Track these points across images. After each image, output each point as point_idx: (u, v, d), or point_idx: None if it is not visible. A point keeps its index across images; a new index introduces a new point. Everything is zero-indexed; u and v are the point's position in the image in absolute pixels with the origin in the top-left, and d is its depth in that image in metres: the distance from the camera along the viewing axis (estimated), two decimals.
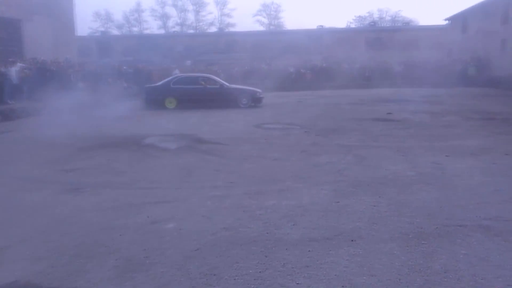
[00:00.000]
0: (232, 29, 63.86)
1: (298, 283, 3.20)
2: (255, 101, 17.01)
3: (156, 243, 3.99)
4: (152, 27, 69.78)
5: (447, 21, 34.60)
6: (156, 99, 16.92)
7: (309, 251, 3.73)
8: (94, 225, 4.52)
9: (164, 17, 69.57)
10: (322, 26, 40.82)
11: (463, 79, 25.60)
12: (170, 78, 18.24)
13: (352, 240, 3.93)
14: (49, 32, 23.42)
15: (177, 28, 66.65)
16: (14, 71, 16.90)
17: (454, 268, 3.36)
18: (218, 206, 5.03)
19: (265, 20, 70.23)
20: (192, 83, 17.24)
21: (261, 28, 65.98)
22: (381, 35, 39.01)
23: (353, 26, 61.68)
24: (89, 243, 4.05)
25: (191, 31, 66.16)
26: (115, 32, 64.58)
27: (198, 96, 16.74)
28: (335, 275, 3.30)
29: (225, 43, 38.02)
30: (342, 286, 3.14)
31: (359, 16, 67.61)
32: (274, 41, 37.87)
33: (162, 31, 65.58)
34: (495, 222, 4.30)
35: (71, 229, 4.40)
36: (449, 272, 3.28)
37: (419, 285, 3.13)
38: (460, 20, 30.95)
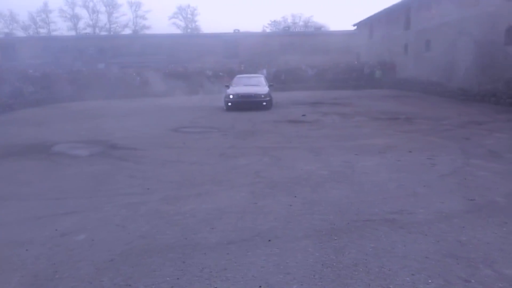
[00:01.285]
0: (147, 32, 62.42)
1: (215, 287, 3.20)
2: None
3: (65, 257, 3.78)
4: (62, 28, 65.92)
5: (355, 27, 36.63)
6: None
7: (227, 254, 3.75)
8: None
9: (75, 18, 66.11)
10: (238, 30, 41.24)
11: (370, 82, 27.26)
12: None
13: (268, 240, 4.01)
14: None
15: (89, 30, 63.66)
16: None
17: (363, 261, 3.55)
18: (133, 213, 4.88)
19: (182, 23, 69.54)
20: None
21: (178, 31, 65.21)
22: (294, 40, 40.25)
23: (268, 30, 63.06)
24: None
25: (104, 33, 63.56)
26: (20, 33, 60.21)
27: None
28: (252, 275, 3.35)
29: (140, 45, 36.95)
30: (259, 286, 3.19)
31: (274, 21, 69.34)
32: (191, 44, 37.57)
33: (72, 33, 62.23)
34: (399, 215, 4.62)
35: None
36: (359, 266, 3.47)
37: (332, 279, 3.27)
38: (367, 26, 32.91)
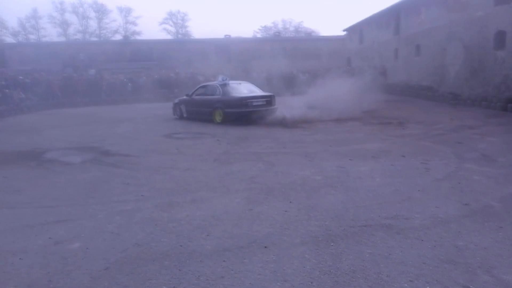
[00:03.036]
0: (138, 37, 62.26)
1: None
2: None
3: (60, 265, 3.71)
4: (51, 34, 65.47)
5: (345, 32, 36.83)
6: None
7: (223, 261, 3.71)
8: None
9: (64, 24, 65.75)
10: (229, 35, 41.31)
11: (362, 87, 27.32)
12: None
13: (265, 247, 3.98)
14: None
15: (79, 36, 63.35)
16: None
17: (361, 267, 3.54)
18: (128, 221, 4.83)
19: (172, 29, 69.48)
20: None
21: (168, 37, 65.12)
22: (285, 45, 40.40)
23: (259, 36, 63.24)
24: None
25: (94, 39, 63.31)
26: (10, 40, 59.75)
27: None
28: (250, 283, 3.32)
29: (131, 51, 36.88)
30: None
31: (265, 26, 69.54)
32: (182, 49, 37.56)
33: (62, 39, 61.88)
34: (395, 220, 4.62)
35: None
36: (356, 272, 3.45)
37: (330, 286, 3.25)
38: (357, 31, 33.11)
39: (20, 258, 3.90)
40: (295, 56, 36.70)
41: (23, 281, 3.47)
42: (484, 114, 13.81)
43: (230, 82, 14.80)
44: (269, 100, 14.09)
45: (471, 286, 3.18)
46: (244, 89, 14.68)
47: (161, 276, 3.47)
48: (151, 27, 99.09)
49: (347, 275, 3.40)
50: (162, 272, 3.54)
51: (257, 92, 14.70)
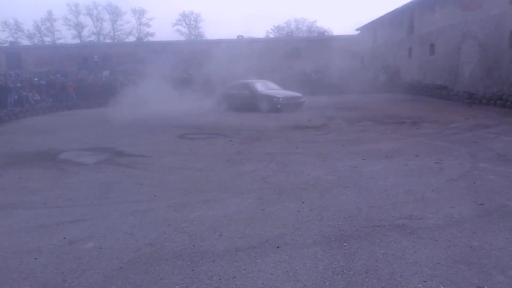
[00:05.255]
0: (151, 39, 62.65)
1: None
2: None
3: (74, 265, 3.76)
4: (66, 36, 66.26)
5: (358, 31, 36.59)
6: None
7: (236, 261, 3.72)
8: (5, 249, 4.18)
9: (79, 26, 66.47)
10: (241, 36, 41.33)
11: (375, 86, 27.16)
12: None
13: (277, 247, 3.98)
14: None
15: (93, 38, 63.99)
16: None
17: (374, 267, 3.52)
18: (141, 221, 4.87)
19: (185, 30, 69.74)
20: None
21: (181, 38, 65.41)
22: (298, 45, 40.31)
23: (271, 36, 63.15)
24: (0, 269, 3.73)
25: (109, 40, 63.88)
26: (25, 42, 60.62)
27: None
28: (262, 283, 3.32)
29: (144, 52, 37.10)
30: None
31: (277, 26, 69.38)
32: (195, 50, 37.70)
33: (77, 41, 62.57)
34: (409, 220, 4.58)
35: None
36: (369, 272, 3.44)
37: (342, 286, 3.24)
38: (370, 30, 32.86)
39: (35, 258, 3.96)
40: (308, 56, 36.57)
41: (38, 280, 3.52)
42: (500, 113, 13.62)
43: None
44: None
45: (485, 287, 3.14)
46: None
47: (174, 276, 3.49)
48: (164, 28, 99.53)
49: (360, 275, 3.39)
50: (175, 272, 3.57)
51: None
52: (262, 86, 18.46)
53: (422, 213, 4.78)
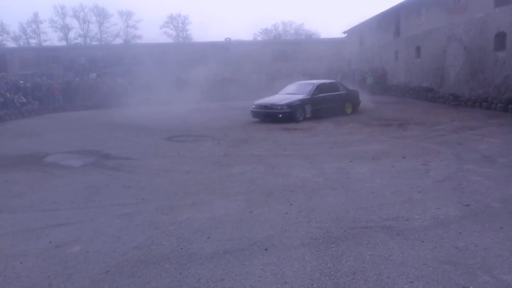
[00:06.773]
0: (139, 41, 62.28)
1: None
2: None
3: (60, 269, 3.72)
4: (52, 38, 65.45)
5: (345, 34, 36.80)
6: None
7: (224, 263, 3.71)
8: None
9: (65, 29, 65.73)
10: (229, 38, 41.31)
11: (362, 88, 27.33)
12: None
13: (265, 249, 3.98)
14: None
15: (80, 40, 63.39)
16: None
17: (361, 269, 3.53)
18: (128, 224, 4.83)
19: (173, 32, 69.44)
20: None
21: (169, 40, 65.11)
22: (286, 48, 40.44)
23: (259, 38, 63.17)
24: None
25: (95, 43, 63.36)
26: (11, 44, 59.88)
27: None
28: (250, 286, 3.32)
29: (132, 55, 36.89)
30: None
31: (265, 29, 69.46)
32: (183, 53, 37.58)
33: (63, 43, 61.93)
34: (396, 222, 4.61)
35: None
36: (357, 273, 3.45)
37: None
38: (357, 33, 33.08)
39: (20, 262, 3.90)
40: (296, 58, 36.72)
41: (24, 284, 3.47)
42: (485, 115, 13.79)
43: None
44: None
45: (471, 287, 3.17)
46: None
47: (162, 279, 3.47)
48: (151, 31, 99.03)
49: (348, 277, 3.40)
50: (163, 275, 3.54)
51: None
52: None
53: (409, 214, 4.82)
